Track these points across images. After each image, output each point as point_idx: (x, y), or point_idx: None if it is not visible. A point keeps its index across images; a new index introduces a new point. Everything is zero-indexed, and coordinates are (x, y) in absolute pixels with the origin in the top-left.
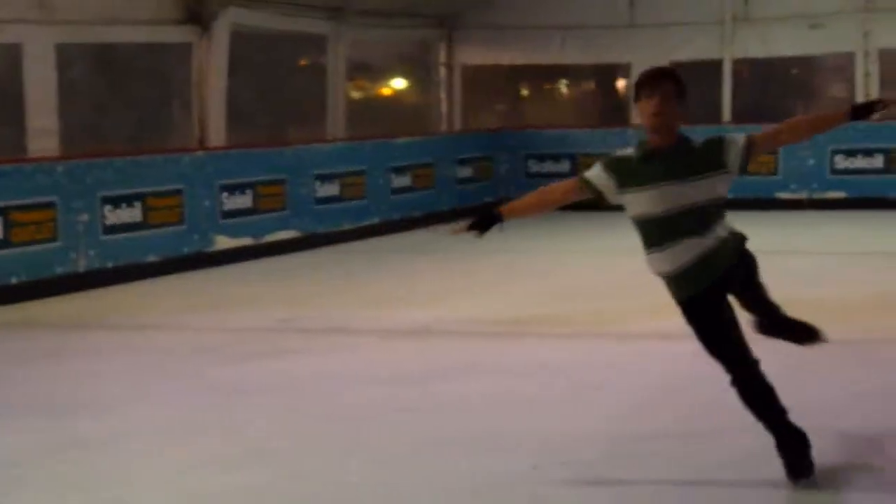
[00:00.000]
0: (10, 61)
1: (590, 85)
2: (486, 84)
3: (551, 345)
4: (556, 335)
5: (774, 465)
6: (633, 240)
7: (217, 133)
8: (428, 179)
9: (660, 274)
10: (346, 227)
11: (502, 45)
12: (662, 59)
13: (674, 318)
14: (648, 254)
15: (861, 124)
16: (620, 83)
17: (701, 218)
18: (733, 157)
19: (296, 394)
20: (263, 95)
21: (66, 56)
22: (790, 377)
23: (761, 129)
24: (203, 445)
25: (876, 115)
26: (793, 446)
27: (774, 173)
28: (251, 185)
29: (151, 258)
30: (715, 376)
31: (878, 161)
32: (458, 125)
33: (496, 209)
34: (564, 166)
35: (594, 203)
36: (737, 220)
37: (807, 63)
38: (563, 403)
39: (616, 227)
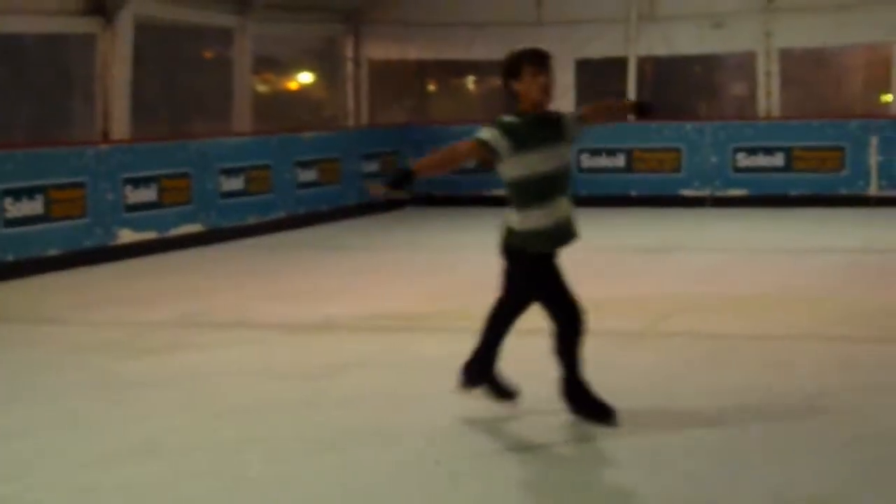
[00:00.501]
0: None
1: (496, 81)
2: (392, 79)
3: (447, 338)
4: (455, 329)
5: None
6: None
7: (121, 126)
8: (334, 174)
9: (534, 229)
10: (252, 221)
11: (409, 41)
12: (568, 56)
13: None
14: (528, 211)
15: (762, 123)
16: None
17: (567, 178)
18: (573, 129)
19: (195, 388)
20: (168, 88)
21: None
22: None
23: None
24: (100, 440)
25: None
26: (584, 391)
27: (678, 171)
28: (155, 179)
29: (53, 252)
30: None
31: (778, 160)
32: (364, 120)
33: (409, 167)
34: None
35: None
36: (641, 217)
37: (710, 62)
38: (461, 397)
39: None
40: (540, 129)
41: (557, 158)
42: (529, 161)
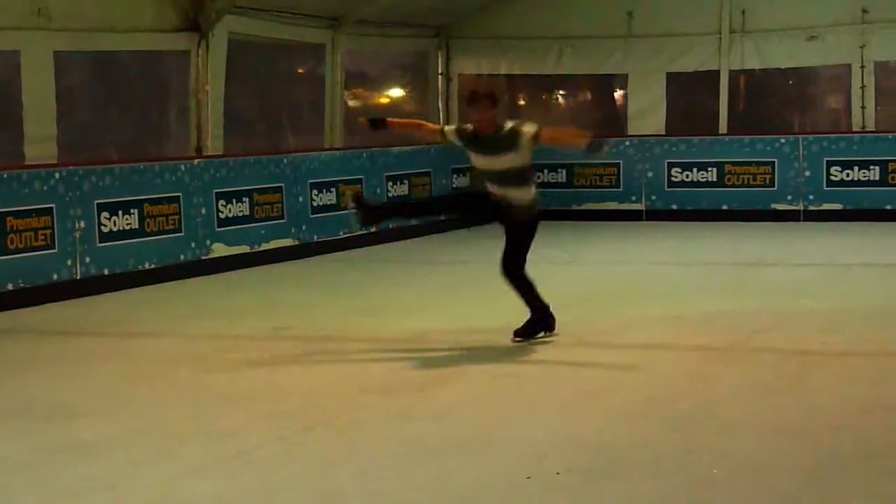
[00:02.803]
0: (9, 68)
1: (586, 95)
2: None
3: (539, 351)
4: (547, 342)
5: (764, 480)
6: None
7: (214, 141)
8: (424, 188)
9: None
10: (343, 235)
11: (499, 55)
12: (659, 70)
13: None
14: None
15: (856, 136)
16: (618, 94)
17: (509, 175)
18: (522, 143)
19: (284, 402)
20: (261, 103)
21: (64, 63)
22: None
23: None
24: (191, 452)
25: (606, 149)
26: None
27: (771, 184)
28: (248, 193)
29: (148, 266)
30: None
31: (873, 173)
32: None
33: (385, 118)
34: (561, 176)
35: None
36: (733, 231)
37: (803, 74)
38: (555, 412)
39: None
40: (477, 143)
41: (490, 162)
42: (473, 158)
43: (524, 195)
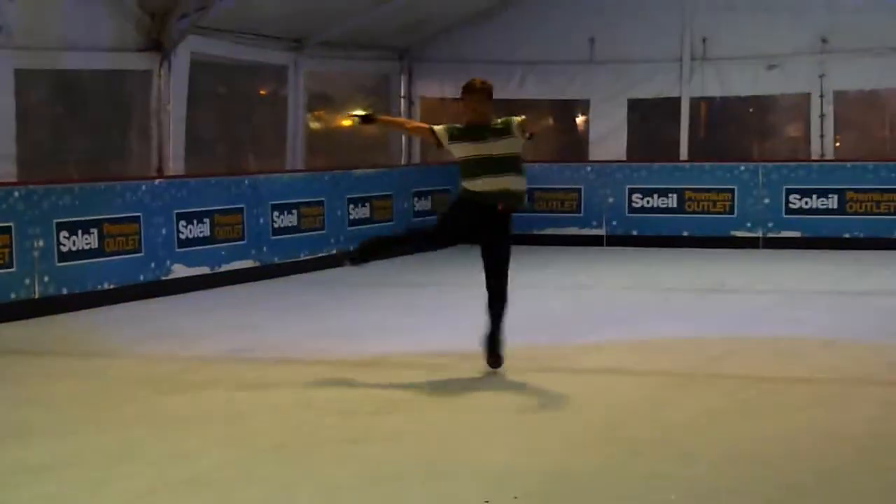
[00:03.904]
0: None
1: (548, 120)
2: (445, 117)
3: (495, 377)
4: (503, 367)
5: None
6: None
7: (175, 161)
8: (386, 211)
9: (469, 192)
10: (304, 257)
11: (462, 79)
12: (621, 96)
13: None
14: (462, 181)
15: (815, 165)
16: (579, 119)
17: (501, 163)
18: (515, 127)
19: (243, 423)
20: (223, 125)
21: (24, 81)
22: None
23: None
24: (148, 474)
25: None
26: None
27: (731, 212)
28: (209, 214)
29: (107, 286)
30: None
31: (832, 202)
32: (416, 157)
33: (375, 114)
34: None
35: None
36: (692, 258)
37: (763, 103)
38: (513, 437)
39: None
40: (472, 132)
41: (494, 149)
42: (459, 148)
43: (521, 182)
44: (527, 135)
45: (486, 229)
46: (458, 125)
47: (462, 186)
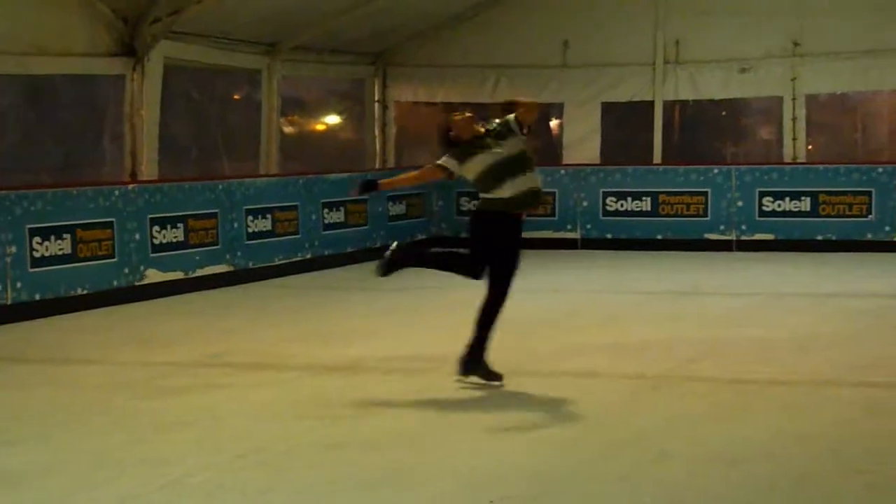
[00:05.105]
0: None
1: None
2: (419, 121)
3: (473, 380)
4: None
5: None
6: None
7: (149, 166)
8: (360, 216)
9: (499, 202)
10: (278, 262)
11: (436, 83)
12: (594, 100)
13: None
14: (488, 193)
15: (787, 167)
16: (553, 123)
17: (525, 162)
18: (514, 126)
19: (218, 429)
20: (197, 129)
21: None
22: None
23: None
24: (123, 480)
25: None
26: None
27: (704, 214)
28: (182, 219)
29: (81, 291)
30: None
31: (804, 204)
32: (391, 162)
33: (377, 181)
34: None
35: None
36: (666, 261)
37: (736, 106)
38: (490, 440)
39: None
40: (482, 142)
41: (514, 148)
42: (490, 159)
43: (539, 179)
44: (524, 129)
45: (510, 239)
46: (457, 148)
47: (485, 199)
